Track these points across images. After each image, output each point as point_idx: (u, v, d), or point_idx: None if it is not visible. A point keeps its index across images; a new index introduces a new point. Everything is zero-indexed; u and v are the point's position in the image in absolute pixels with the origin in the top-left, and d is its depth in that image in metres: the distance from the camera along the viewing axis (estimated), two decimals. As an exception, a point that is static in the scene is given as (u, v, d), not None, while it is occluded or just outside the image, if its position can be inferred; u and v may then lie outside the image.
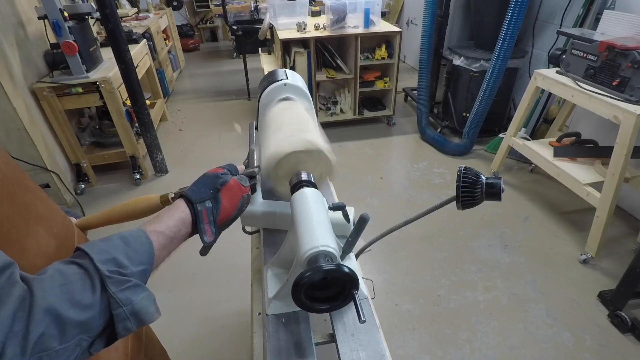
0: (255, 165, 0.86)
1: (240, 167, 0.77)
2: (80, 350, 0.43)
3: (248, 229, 1.01)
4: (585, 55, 2.00)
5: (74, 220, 0.75)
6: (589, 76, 2.00)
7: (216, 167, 0.71)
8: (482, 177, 0.66)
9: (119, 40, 2.31)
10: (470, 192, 0.66)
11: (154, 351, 0.98)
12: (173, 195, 0.71)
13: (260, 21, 3.85)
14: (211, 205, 0.64)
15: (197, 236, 0.63)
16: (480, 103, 2.75)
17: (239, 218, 0.88)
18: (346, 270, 0.55)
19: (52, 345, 0.39)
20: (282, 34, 3.02)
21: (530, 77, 2.42)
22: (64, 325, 0.40)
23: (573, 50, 2.07)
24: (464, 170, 0.67)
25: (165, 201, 0.73)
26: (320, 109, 3.50)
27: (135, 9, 4.29)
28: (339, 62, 3.30)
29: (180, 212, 0.61)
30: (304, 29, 3.08)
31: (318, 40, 3.10)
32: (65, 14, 2.21)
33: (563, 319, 1.74)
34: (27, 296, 0.39)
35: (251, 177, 0.77)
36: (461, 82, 3.05)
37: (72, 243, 0.66)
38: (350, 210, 0.84)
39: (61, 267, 0.45)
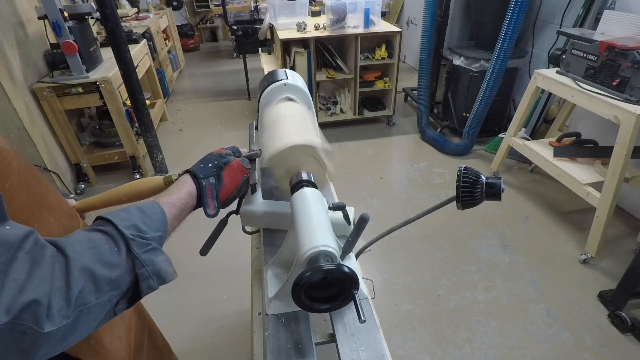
0: (256, 148, 0.88)
1: (243, 151, 0.82)
2: (110, 306, 0.48)
3: (248, 229, 1.01)
4: (585, 55, 2.00)
5: (72, 202, 0.76)
6: (589, 76, 2.00)
7: (220, 148, 0.76)
8: (482, 177, 0.66)
9: (119, 40, 2.31)
10: (470, 192, 0.66)
11: (157, 342, 0.98)
12: (177, 177, 0.74)
13: (260, 21, 3.85)
14: (214, 182, 0.69)
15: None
16: (480, 103, 2.75)
17: (239, 218, 0.88)
18: (346, 270, 0.55)
19: (90, 300, 0.44)
20: (282, 34, 3.02)
21: (530, 77, 2.42)
22: (98, 282, 0.45)
23: (573, 50, 2.07)
24: (464, 170, 0.67)
25: (169, 183, 0.76)
26: (320, 109, 3.50)
27: (135, 9, 4.29)
28: (339, 62, 3.30)
29: (187, 185, 0.67)
30: (304, 29, 3.08)
31: (318, 40, 3.10)
32: (65, 14, 2.21)
33: (563, 319, 1.74)
34: (60, 257, 0.44)
35: (252, 159, 0.81)
36: (461, 82, 3.05)
37: None
38: (350, 211, 0.84)
39: (86, 233, 0.49)
